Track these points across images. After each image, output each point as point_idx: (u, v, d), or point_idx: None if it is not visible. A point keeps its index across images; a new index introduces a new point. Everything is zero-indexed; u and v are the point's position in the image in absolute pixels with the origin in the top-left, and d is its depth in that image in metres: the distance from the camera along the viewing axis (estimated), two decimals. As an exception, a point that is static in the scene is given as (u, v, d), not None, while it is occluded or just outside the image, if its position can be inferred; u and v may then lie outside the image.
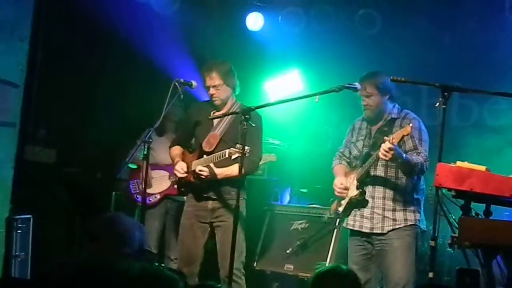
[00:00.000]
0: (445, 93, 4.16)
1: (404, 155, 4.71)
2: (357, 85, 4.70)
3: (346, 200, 5.03)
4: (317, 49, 7.30)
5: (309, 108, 6.92)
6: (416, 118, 4.98)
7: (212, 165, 5.17)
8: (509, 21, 6.66)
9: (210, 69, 5.27)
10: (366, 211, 4.96)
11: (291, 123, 7.24)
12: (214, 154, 5.18)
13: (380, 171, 4.94)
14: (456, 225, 3.94)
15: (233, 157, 4.80)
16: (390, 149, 4.55)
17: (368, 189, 4.96)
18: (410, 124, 4.63)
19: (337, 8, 7.40)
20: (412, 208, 4.92)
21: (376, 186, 4.94)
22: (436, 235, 4.04)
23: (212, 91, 5.29)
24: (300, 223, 6.35)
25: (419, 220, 4.93)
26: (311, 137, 7.41)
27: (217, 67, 5.28)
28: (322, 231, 6.15)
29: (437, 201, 3.99)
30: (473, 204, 4.03)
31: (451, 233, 4.02)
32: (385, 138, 4.64)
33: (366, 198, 4.95)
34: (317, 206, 6.52)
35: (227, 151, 4.94)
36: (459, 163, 4.00)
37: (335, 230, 6.03)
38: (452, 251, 5.87)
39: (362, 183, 4.96)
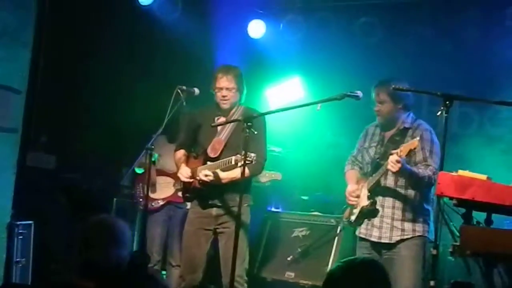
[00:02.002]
0: (447, 102, 4.16)
1: (411, 168, 4.70)
2: (359, 93, 4.69)
3: (358, 209, 5.01)
4: (318, 56, 7.32)
5: (310, 116, 6.93)
6: (429, 129, 4.93)
7: (218, 170, 5.17)
8: (510, 29, 6.67)
9: (227, 72, 5.30)
10: (376, 220, 4.94)
11: (292, 130, 7.25)
12: (220, 161, 5.18)
13: (390, 181, 4.92)
14: (458, 234, 3.94)
15: (239, 164, 4.79)
16: (397, 161, 4.55)
17: (378, 198, 4.94)
18: (417, 138, 4.62)
19: (338, 16, 7.42)
20: (421, 218, 4.89)
21: (386, 196, 4.93)
22: (438, 243, 4.04)
23: (225, 92, 5.29)
24: (301, 231, 6.35)
25: (427, 231, 4.89)
26: (312, 145, 7.42)
27: (234, 71, 5.32)
28: (323, 238, 6.15)
29: (438, 210, 4.00)
30: (474, 213, 4.04)
31: (452, 241, 4.02)
32: (393, 151, 4.65)
33: (377, 208, 4.93)
34: (318, 213, 6.53)
35: (233, 158, 4.94)
36: (460, 172, 4.00)
37: (336, 238, 6.04)
38: (453, 260, 5.88)
39: (373, 193, 4.94)
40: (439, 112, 4.20)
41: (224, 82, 5.29)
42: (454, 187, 3.93)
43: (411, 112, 5.02)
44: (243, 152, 4.64)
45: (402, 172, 4.66)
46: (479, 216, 4.05)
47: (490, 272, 3.96)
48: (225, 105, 5.33)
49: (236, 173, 5.05)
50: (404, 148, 4.57)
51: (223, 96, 5.30)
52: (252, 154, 4.75)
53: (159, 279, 3.43)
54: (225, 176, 5.18)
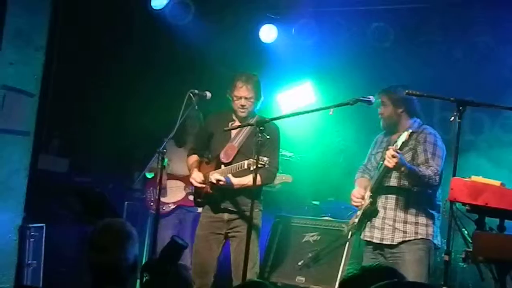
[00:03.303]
0: (460, 107, 4.17)
1: (408, 164, 4.72)
2: (372, 98, 4.71)
3: (361, 211, 5.05)
4: (329, 61, 7.32)
5: (322, 121, 6.93)
6: (433, 133, 4.99)
7: (229, 174, 5.18)
8: (522, 35, 6.67)
9: (247, 81, 5.29)
10: (378, 222, 4.98)
11: (303, 135, 7.24)
12: (233, 165, 5.19)
13: (393, 182, 4.95)
14: (470, 240, 3.93)
15: (252, 168, 4.78)
16: (393, 156, 4.58)
17: (381, 200, 4.97)
18: (409, 130, 4.72)
19: (350, 21, 7.41)
20: (424, 222, 4.89)
21: (389, 197, 4.96)
22: (450, 249, 4.03)
23: (244, 102, 5.29)
24: (312, 235, 6.33)
25: (432, 235, 4.89)
26: (324, 150, 7.42)
27: (253, 80, 5.32)
28: (334, 243, 6.12)
29: (451, 215, 3.99)
30: (487, 219, 4.03)
31: (464, 247, 4.01)
32: (389, 146, 4.72)
33: (378, 208, 4.96)
34: (329, 218, 6.52)
35: (246, 162, 4.94)
36: (473, 178, 4.00)
37: (347, 243, 6.02)
38: (465, 266, 5.87)
39: (375, 193, 4.98)
40: (452, 118, 4.20)
41: (244, 92, 5.28)
42: (467, 192, 3.92)
43: (417, 119, 5.08)
44: (255, 157, 4.65)
45: (399, 168, 4.68)
46: (492, 222, 4.04)
47: (502, 278, 3.95)
48: (243, 114, 5.33)
49: (248, 180, 5.07)
50: (398, 142, 4.66)
51: (242, 106, 5.30)
52: (265, 158, 4.76)
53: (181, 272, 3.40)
54: (237, 182, 5.19)
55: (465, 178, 4.00)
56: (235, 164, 5.16)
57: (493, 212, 3.95)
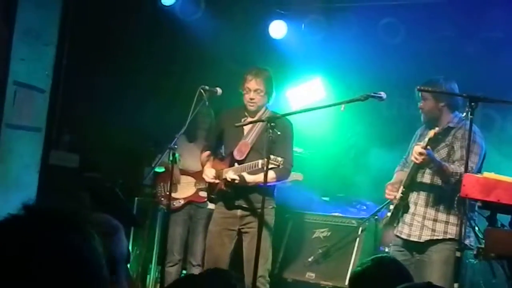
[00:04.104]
0: (472, 103, 4.15)
1: (438, 161, 4.62)
2: (383, 94, 4.68)
3: (393, 205, 4.94)
4: (339, 57, 7.29)
5: (332, 116, 6.92)
6: (472, 129, 4.66)
7: (244, 173, 5.17)
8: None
9: (257, 74, 5.30)
10: (408, 217, 4.87)
11: (313, 131, 7.23)
12: (247, 164, 5.18)
13: (426, 178, 4.84)
14: (482, 236, 3.92)
15: (265, 168, 4.75)
16: (420, 154, 4.49)
17: (413, 195, 4.86)
18: (436, 129, 4.59)
19: (360, 17, 7.37)
20: (455, 221, 4.69)
21: (421, 193, 4.84)
22: (462, 245, 4.02)
23: (253, 95, 5.29)
24: (322, 231, 6.33)
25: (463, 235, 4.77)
26: (334, 146, 7.40)
27: (264, 74, 5.33)
28: (345, 239, 6.13)
29: (463, 212, 3.98)
30: (499, 215, 4.01)
31: (476, 244, 4.00)
32: (417, 143, 4.64)
33: (409, 204, 4.86)
34: (339, 214, 6.51)
35: (260, 161, 4.94)
36: (485, 174, 3.99)
37: (358, 239, 6.02)
38: (475, 263, 5.84)
39: (407, 188, 4.85)
40: (464, 114, 4.19)
41: (253, 84, 5.29)
42: (479, 189, 3.91)
43: (459, 113, 4.89)
44: (271, 157, 4.66)
45: (427, 164, 4.60)
46: (503, 219, 4.03)
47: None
48: (252, 107, 5.33)
49: (262, 177, 4.97)
50: (426, 138, 4.55)
51: (251, 99, 5.31)
52: (279, 158, 4.75)
53: None
54: (251, 180, 5.18)
55: (477, 174, 3.99)
56: (249, 163, 5.14)
57: (505, 208, 3.94)
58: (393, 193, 4.95)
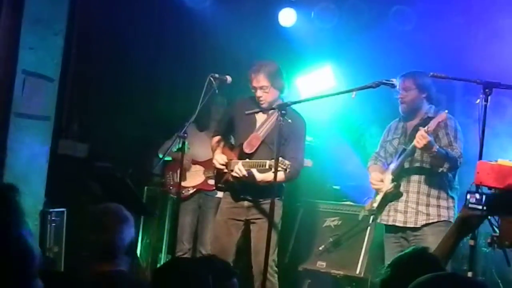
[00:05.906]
0: (486, 90, 4.11)
1: (437, 146, 4.78)
2: (395, 81, 4.68)
3: (381, 195, 5.09)
4: (350, 45, 7.23)
5: (342, 104, 6.87)
6: (452, 118, 5.06)
7: (254, 170, 5.07)
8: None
9: (257, 71, 5.14)
10: (400, 205, 5.04)
11: (323, 119, 7.18)
12: (255, 161, 5.06)
13: (415, 167, 5.02)
14: (497, 225, 3.87)
15: (272, 170, 4.68)
16: (424, 137, 4.64)
17: (403, 183, 5.04)
18: (446, 111, 4.77)
19: (370, 4, 7.31)
20: (445, 204, 5.00)
21: (411, 181, 5.04)
22: (476, 234, 3.99)
23: (259, 93, 5.17)
24: (333, 220, 6.31)
25: (453, 217, 4.93)
26: (344, 134, 7.36)
27: (264, 69, 5.15)
28: (356, 228, 6.11)
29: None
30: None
31: (491, 232, 3.95)
32: (420, 127, 4.76)
33: (401, 191, 5.03)
34: (350, 203, 6.48)
35: (268, 162, 4.86)
36: (500, 161, 3.93)
37: (369, 228, 5.99)
38: (488, 251, 5.81)
39: (397, 177, 5.04)
40: (478, 100, 4.15)
41: (256, 82, 5.16)
42: (494, 176, 3.85)
43: (433, 105, 5.13)
44: (280, 159, 4.62)
45: (429, 148, 4.71)
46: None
47: (529, 263, 3.89)
48: (263, 105, 5.20)
49: (271, 177, 4.82)
50: (432, 123, 4.70)
51: (259, 97, 5.19)
52: (287, 162, 4.71)
53: None
54: (261, 178, 5.07)
55: (491, 161, 3.94)
56: (257, 161, 5.05)
57: (520, 196, 3.88)
58: (380, 183, 5.11)
